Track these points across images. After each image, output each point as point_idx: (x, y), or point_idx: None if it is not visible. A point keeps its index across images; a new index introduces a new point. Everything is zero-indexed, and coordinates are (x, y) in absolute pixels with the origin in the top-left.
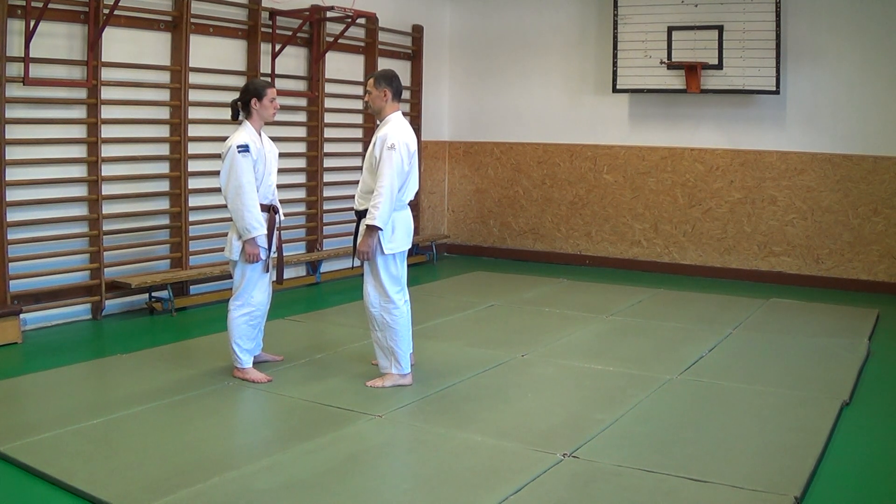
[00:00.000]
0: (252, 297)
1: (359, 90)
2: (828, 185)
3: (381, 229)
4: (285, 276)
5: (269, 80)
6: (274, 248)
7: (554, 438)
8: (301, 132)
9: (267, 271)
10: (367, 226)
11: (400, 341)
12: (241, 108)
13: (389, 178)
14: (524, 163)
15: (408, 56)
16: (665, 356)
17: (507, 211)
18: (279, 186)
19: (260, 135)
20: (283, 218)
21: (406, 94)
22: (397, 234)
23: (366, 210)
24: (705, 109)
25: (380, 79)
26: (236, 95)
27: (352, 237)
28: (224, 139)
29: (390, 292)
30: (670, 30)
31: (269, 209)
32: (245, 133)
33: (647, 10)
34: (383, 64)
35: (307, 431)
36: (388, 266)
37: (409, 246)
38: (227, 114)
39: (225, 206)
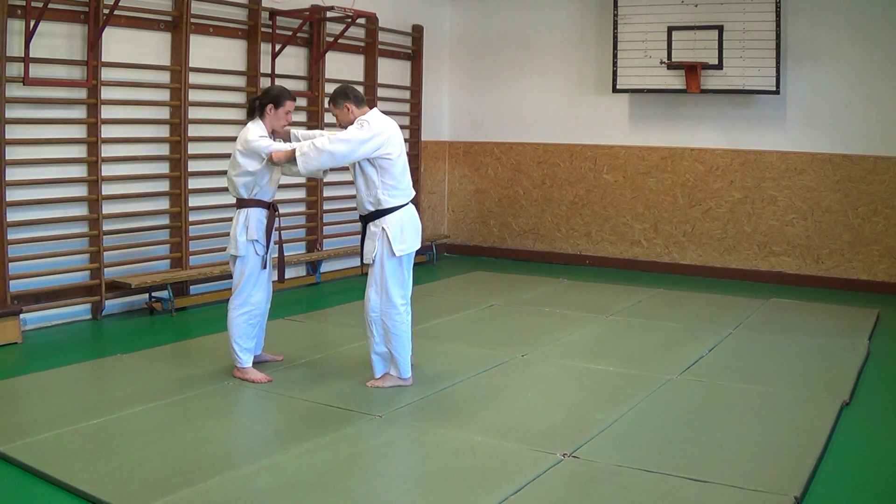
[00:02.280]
0: (251, 295)
1: (360, 91)
2: (828, 185)
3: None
4: (286, 276)
5: (291, 92)
6: (274, 246)
7: (554, 438)
8: None
9: (265, 268)
10: (295, 151)
11: (400, 347)
12: (258, 109)
13: (341, 142)
14: (524, 163)
15: (408, 56)
16: (665, 356)
17: (507, 211)
18: (280, 186)
19: (271, 134)
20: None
21: (406, 94)
22: (407, 234)
23: (369, 214)
24: (705, 109)
25: (335, 98)
26: (237, 95)
27: (358, 238)
28: (224, 139)
29: (394, 297)
30: (670, 30)
31: (270, 206)
32: (256, 127)
33: (647, 10)
34: (383, 64)
35: (307, 431)
36: (395, 270)
37: (419, 245)
38: (226, 114)
39: (224, 206)
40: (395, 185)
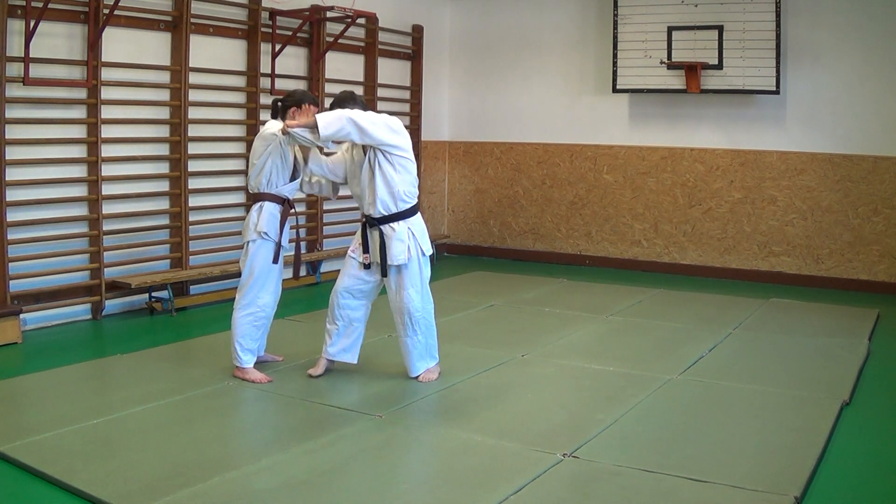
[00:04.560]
0: (258, 297)
1: (359, 91)
2: (828, 185)
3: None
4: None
5: (314, 97)
6: (289, 245)
7: (554, 438)
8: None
9: (276, 262)
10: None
11: (435, 333)
12: (280, 110)
13: (367, 115)
14: (524, 163)
15: (408, 56)
16: (665, 356)
17: (507, 211)
18: None
19: None
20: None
21: (406, 94)
22: (426, 234)
23: (389, 215)
24: (705, 109)
25: (343, 103)
26: (237, 95)
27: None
28: (224, 139)
29: (430, 293)
30: (670, 30)
31: (285, 202)
32: (278, 123)
33: (647, 10)
34: (383, 64)
35: (307, 431)
36: (423, 267)
37: None
38: (226, 114)
39: (224, 206)
40: (414, 184)
